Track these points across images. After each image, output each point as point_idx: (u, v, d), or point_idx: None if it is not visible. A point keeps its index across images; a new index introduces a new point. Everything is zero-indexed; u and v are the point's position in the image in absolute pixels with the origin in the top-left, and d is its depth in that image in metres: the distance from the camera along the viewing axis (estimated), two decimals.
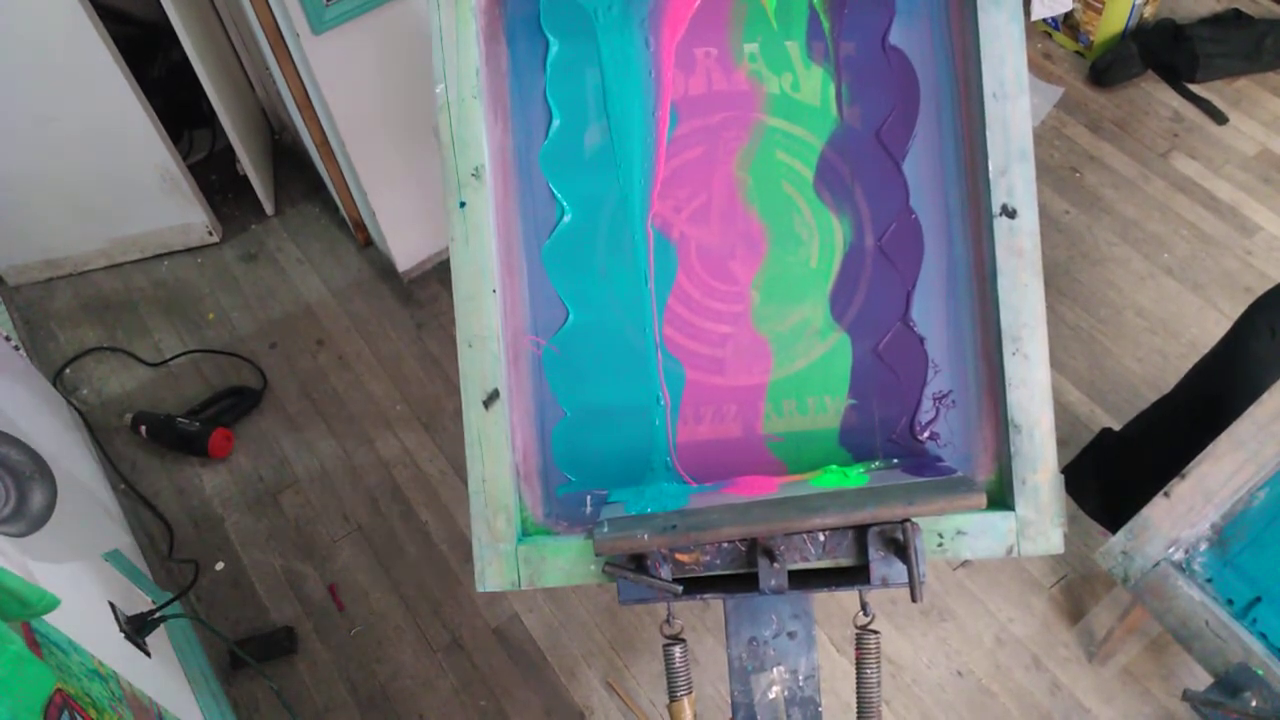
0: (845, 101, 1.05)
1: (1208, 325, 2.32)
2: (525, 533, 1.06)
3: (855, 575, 0.96)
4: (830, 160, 1.05)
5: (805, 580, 0.97)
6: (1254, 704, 1.33)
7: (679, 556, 0.97)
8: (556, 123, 1.07)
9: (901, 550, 0.93)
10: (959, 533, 0.98)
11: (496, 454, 1.03)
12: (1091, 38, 2.85)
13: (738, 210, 1.07)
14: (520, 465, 1.06)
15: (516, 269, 1.07)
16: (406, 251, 2.53)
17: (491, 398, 1.03)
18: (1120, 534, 1.49)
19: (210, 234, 2.67)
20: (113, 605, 1.57)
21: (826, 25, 1.04)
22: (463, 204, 1.02)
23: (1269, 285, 1.77)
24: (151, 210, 2.55)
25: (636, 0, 1.04)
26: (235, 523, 2.21)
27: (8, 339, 2.21)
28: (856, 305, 1.06)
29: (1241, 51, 2.73)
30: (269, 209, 2.75)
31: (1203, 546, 1.46)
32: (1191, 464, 1.48)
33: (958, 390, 1.04)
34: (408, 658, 2.01)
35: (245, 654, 1.93)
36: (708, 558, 0.97)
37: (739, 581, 0.98)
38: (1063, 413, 2.26)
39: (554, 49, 1.06)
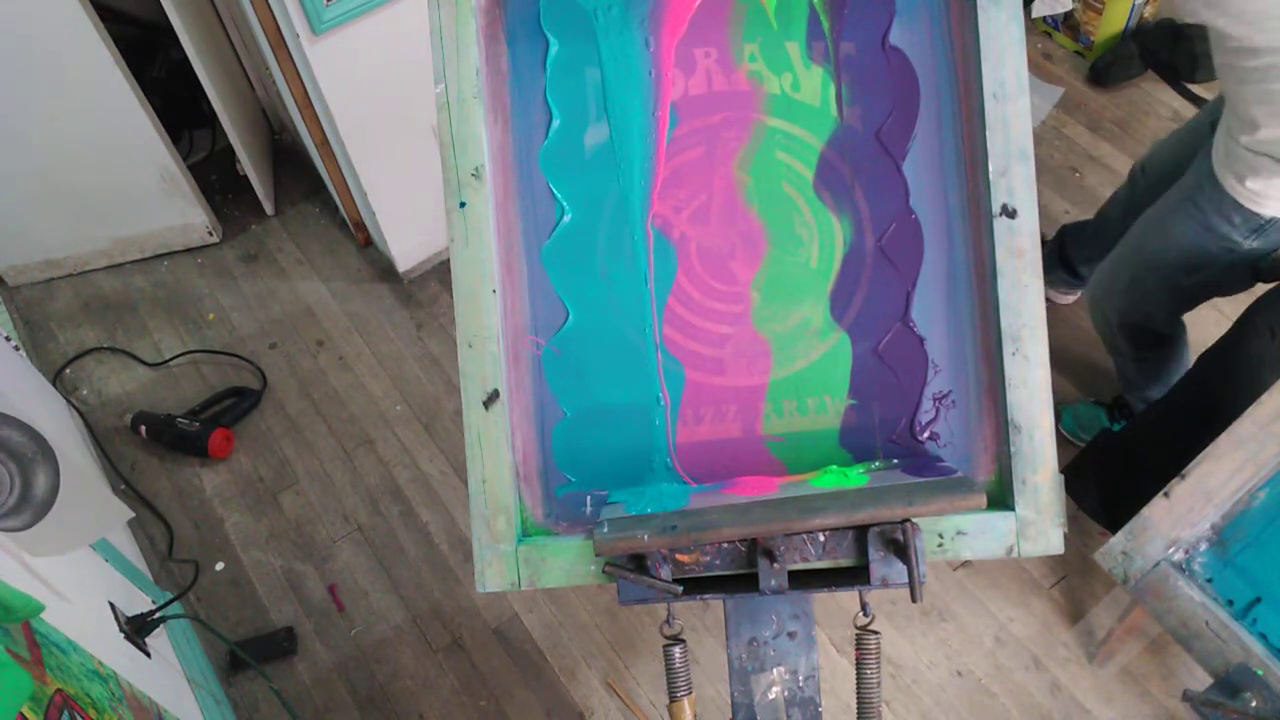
0: (845, 102, 1.05)
1: (1208, 325, 2.32)
2: (525, 533, 1.06)
3: (855, 575, 0.96)
4: (830, 160, 1.05)
5: (805, 580, 0.97)
6: (1254, 704, 1.33)
7: (679, 557, 0.97)
8: (556, 123, 1.06)
9: (901, 550, 0.93)
10: (959, 533, 0.98)
11: (496, 454, 1.03)
12: (1091, 38, 2.85)
13: (738, 210, 1.07)
14: (520, 465, 1.06)
15: (516, 269, 1.07)
16: (406, 251, 2.53)
17: (491, 398, 1.03)
18: (1120, 534, 1.49)
19: (210, 234, 2.67)
20: (113, 605, 1.57)
21: (826, 25, 1.04)
22: (463, 204, 1.02)
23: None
24: (151, 210, 2.55)
25: (636, 0, 1.04)
26: (235, 523, 2.21)
27: (8, 339, 2.20)
28: (856, 305, 1.06)
29: None
30: (269, 209, 2.75)
31: (1203, 547, 1.46)
32: (1191, 464, 1.47)
33: (958, 390, 1.04)
34: (408, 658, 2.01)
35: (245, 654, 1.93)
36: (708, 558, 0.97)
37: (739, 582, 0.98)
38: None
39: (554, 49, 1.06)
